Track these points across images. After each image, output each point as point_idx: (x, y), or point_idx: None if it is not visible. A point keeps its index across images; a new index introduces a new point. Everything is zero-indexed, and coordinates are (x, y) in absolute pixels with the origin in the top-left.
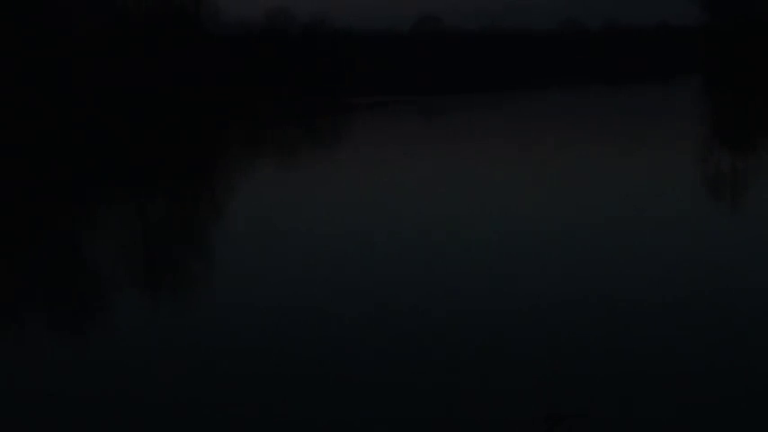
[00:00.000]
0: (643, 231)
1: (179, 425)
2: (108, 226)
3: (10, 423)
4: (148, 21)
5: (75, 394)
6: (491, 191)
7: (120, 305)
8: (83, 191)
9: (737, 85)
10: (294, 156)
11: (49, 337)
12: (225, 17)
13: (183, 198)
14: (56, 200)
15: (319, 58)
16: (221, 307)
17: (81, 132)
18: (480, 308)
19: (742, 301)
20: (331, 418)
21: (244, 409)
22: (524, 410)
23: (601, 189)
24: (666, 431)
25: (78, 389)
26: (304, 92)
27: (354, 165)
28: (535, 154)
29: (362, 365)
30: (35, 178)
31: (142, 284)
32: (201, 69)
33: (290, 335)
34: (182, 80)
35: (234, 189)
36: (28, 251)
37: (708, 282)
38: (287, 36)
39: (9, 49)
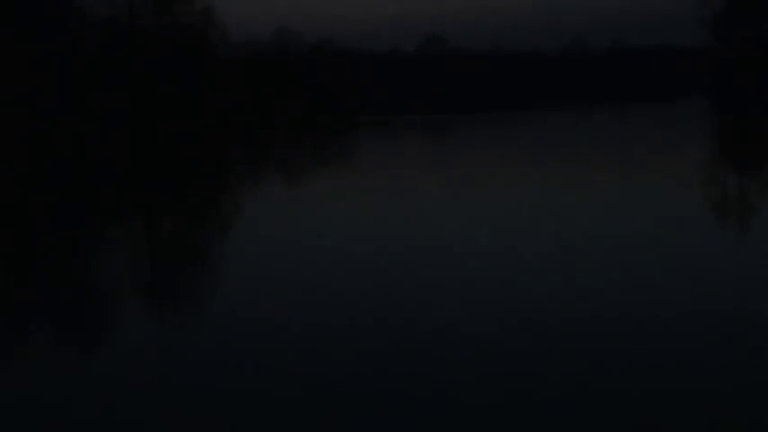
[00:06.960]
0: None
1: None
2: (115, 240)
3: None
4: (158, 42)
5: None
6: (486, 212)
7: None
8: (99, 202)
9: (741, 107)
10: (300, 175)
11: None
12: (234, 38)
13: (191, 219)
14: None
15: (326, 77)
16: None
17: (91, 154)
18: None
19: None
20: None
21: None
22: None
23: (597, 220)
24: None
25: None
26: (311, 111)
27: (354, 185)
28: (539, 175)
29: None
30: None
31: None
32: (211, 89)
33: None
34: (191, 100)
35: (238, 209)
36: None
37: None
38: (295, 56)
39: (17, 76)
